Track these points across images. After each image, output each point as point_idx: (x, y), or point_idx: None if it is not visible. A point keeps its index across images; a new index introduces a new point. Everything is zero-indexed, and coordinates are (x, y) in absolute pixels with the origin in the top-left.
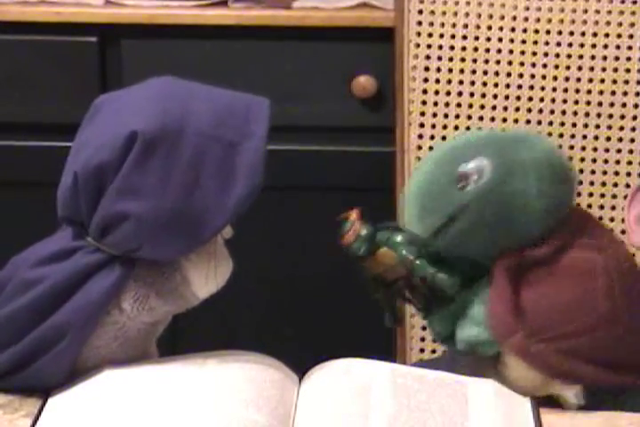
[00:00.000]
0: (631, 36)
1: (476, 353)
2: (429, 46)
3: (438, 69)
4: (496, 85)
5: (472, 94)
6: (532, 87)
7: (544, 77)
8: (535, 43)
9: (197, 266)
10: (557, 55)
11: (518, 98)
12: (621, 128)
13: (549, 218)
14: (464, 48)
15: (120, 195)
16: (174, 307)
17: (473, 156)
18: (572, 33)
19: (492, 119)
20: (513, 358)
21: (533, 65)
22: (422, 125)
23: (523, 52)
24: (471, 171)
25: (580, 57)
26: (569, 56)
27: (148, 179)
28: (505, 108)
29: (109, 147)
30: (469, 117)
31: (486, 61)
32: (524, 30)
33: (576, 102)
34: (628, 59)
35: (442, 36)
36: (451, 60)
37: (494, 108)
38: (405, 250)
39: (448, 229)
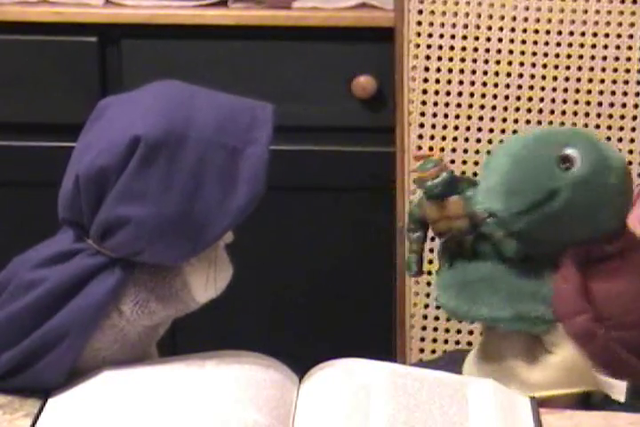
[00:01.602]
0: (631, 36)
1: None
2: (429, 46)
3: (438, 69)
4: (496, 85)
5: (472, 94)
6: (531, 87)
7: (544, 77)
8: (535, 43)
9: (198, 271)
10: (557, 55)
11: (518, 98)
12: (621, 128)
13: (623, 216)
14: (464, 48)
15: (121, 199)
16: (174, 311)
17: (571, 144)
18: (571, 33)
19: (492, 119)
20: (567, 342)
21: (533, 65)
22: (422, 125)
23: (523, 52)
24: (575, 155)
25: (580, 57)
26: (569, 56)
27: (150, 183)
28: (505, 108)
29: (112, 150)
30: (469, 117)
31: (486, 61)
32: (524, 30)
33: (576, 102)
34: (628, 59)
35: (442, 36)
36: (451, 60)
37: (494, 108)
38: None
39: (540, 208)
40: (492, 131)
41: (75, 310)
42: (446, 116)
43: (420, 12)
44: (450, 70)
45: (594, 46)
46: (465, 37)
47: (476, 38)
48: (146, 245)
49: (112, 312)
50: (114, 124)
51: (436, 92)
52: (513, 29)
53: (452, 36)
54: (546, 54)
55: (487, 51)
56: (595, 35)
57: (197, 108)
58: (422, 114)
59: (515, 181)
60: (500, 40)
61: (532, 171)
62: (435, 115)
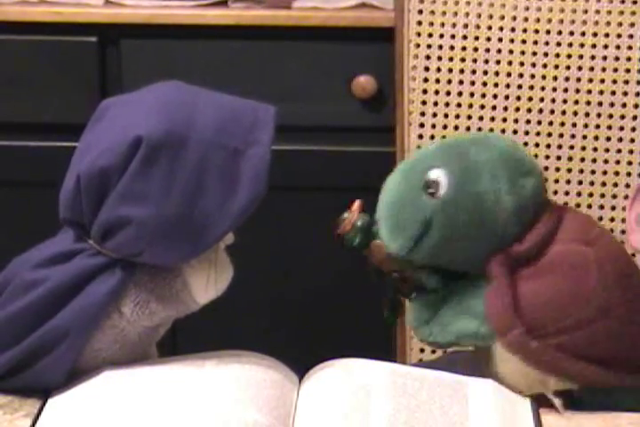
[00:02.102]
0: (631, 36)
1: (460, 346)
2: (429, 46)
3: (438, 69)
4: (496, 85)
5: (472, 94)
6: (531, 87)
7: (544, 77)
8: (535, 43)
9: (198, 272)
10: (557, 55)
11: (518, 98)
12: (621, 128)
13: (523, 213)
14: (464, 48)
15: (123, 199)
16: (174, 312)
17: (433, 165)
18: (572, 33)
19: (492, 119)
20: (509, 355)
21: (533, 65)
22: (422, 125)
23: (523, 52)
24: (437, 178)
25: (580, 57)
26: (569, 56)
27: (152, 184)
28: (505, 108)
29: (114, 151)
30: (469, 117)
31: (486, 61)
32: (524, 30)
33: (576, 102)
34: (628, 59)
35: (442, 36)
36: (451, 60)
37: (494, 108)
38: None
39: (424, 240)
40: (491, 131)
41: (75, 310)
42: (446, 116)
43: (420, 11)
44: (450, 70)
45: (594, 46)
46: (465, 37)
47: (476, 38)
48: (146, 245)
49: (112, 313)
50: (115, 124)
51: (436, 92)
52: (513, 29)
53: (452, 36)
54: (546, 54)
55: (487, 51)
56: (595, 35)
57: (199, 108)
58: (422, 114)
59: (394, 218)
60: (500, 40)
61: (404, 207)
62: (435, 115)
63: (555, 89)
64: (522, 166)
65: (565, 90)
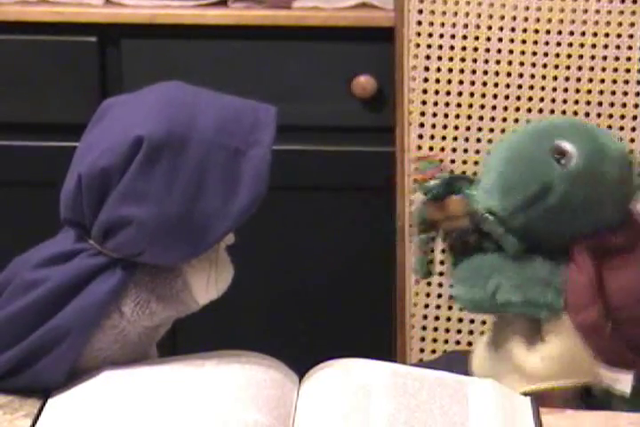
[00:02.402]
0: (631, 36)
1: (507, 312)
2: (429, 46)
3: (438, 69)
4: (496, 85)
5: (472, 94)
6: (531, 87)
7: (544, 77)
8: (535, 43)
9: (199, 272)
10: (557, 55)
11: (518, 98)
12: (621, 128)
13: (627, 205)
14: (464, 48)
15: (124, 199)
16: (174, 312)
17: (566, 136)
18: (572, 33)
19: (492, 119)
20: (572, 333)
21: (533, 65)
22: (422, 125)
23: (523, 52)
24: (569, 148)
25: (580, 57)
26: (569, 56)
27: (153, 184)
28: (505, 108)
29: (115, 151)
30: (469, 117)
31: (486, 61)
32: (524, 30)
33: (576, 102)
34: (628, 59)
35: (442, 36)
36: (451, 60)
37: (494, 108)
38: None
39: (537, 203)
40: (492, 131)
41: (75, 310)
42: (446, 116)
43: (420, 11)
44: (450, 70)
45: (594, 46)
46: (465, 37)
47: (476, 38)
48: (147, 245)
49: (113, 313)
50: (116, 124)
51: (436, 92)
52: (513, 29)
53: (452, 36)
54: (546, 54)
55: (487, 51)
56: (595, 35)
57: (200, 109)
58: (422, 114)
59: (510, 178)
60: (500, 40)
61: (526, 167)
62: (435, 115)
63: (555, 89)
64: (632, 166)
65: (565, 90)
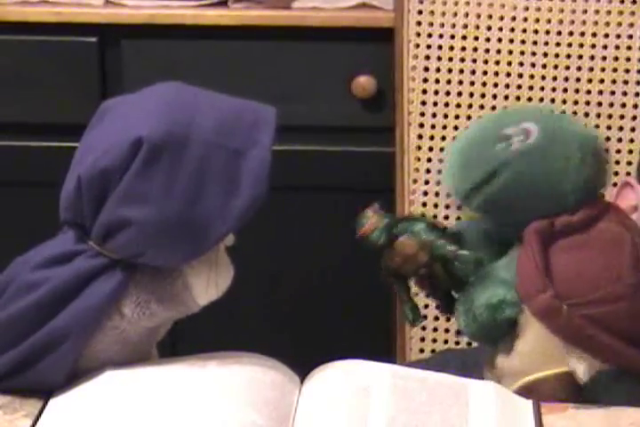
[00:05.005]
0: (631, 37)
1: (495, 320)
2: (429, 46)
3: (438, 69)
4: (496, 85)
5: (472, 94)
6: (531, 87)
7: (544, 77)
8: (535, 43)
9: (199, 273)
10: (557, 55)
11: (518, 98)
12: (621, 128)
13: (585, 189)
14: (464, 48)
15: (124, 200)
16: (175, 313)
17: (518, 121)
18: (571, 33)
19: None
20: (535, 322)
21: (533, 65)
22: (422, 125)
23: (522, 52)
24: (516, 132)
25: (580, 57)
26: (569, 56)
27: (153, 185)
28: (505, 109)
29: (115, 152)
30: (469, 117)
31: (486, 61)
32: (524, 30)
33: (576, 102)
34: (628, 59)
35: (442, 36)
36: (450, 60)
37: (494, 108)
38: (426, 234)
39: (488, 185)
40: None
41: (76, 311)
42: (446, 116)
43: (420, 12)
44: (450, 70)
45: (593, 46)
46: (465, 37)
47: (476, 38)
48: (147, 246)
49: (113, 314)
50: (116, 125)
51: (436, 92)
52: (513, 29)
53: (452, 36)
54: (546, 54)
55: (487, 51)
56: (594, 35)
57: (200, 110)
58: (422, 114)
59: (469, 156)
60: (500, 40)
61: (480, 148)
62: (435, 115)
63: (554, 89)
64: (600, 150)
65: (565, 90)
